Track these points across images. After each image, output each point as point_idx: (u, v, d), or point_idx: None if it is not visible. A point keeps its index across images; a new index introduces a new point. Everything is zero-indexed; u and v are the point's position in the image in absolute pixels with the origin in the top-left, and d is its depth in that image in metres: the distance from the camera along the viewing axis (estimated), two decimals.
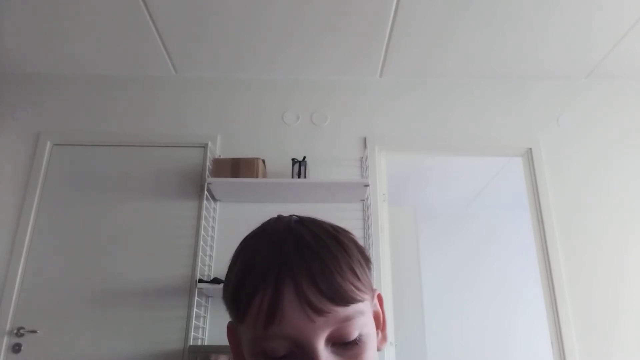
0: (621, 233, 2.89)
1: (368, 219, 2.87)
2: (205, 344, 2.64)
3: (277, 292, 0.46)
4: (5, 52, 3.05)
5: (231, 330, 0.55)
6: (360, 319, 0.49)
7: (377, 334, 0.55)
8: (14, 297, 2.70)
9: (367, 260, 0.53)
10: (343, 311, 0.47)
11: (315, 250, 0.48)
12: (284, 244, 0.49)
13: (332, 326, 0.47)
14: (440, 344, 4.76)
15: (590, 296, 2.76)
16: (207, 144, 2.99)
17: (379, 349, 0.55)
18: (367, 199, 2.89)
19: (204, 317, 2.67)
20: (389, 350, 2.72)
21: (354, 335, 0.48)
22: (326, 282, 0.47)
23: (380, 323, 0.57)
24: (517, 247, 5.00)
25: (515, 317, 4.89)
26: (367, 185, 2.76)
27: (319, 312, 0.46)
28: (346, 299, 0.47)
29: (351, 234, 0.55)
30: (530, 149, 3.07)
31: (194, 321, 2.57)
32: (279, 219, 0.55)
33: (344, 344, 0.48)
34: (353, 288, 0.48)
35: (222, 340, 2.64)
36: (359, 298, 0.49)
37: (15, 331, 2.64)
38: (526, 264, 4.74)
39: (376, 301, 0.57)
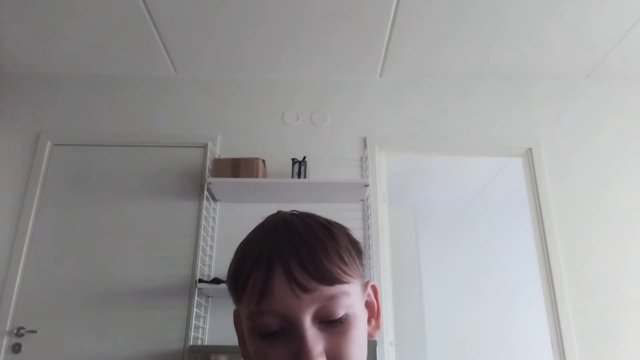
0: (621, 233, 2.89)
1: (368, 219, 2.86)
2: (205, 344, 2.64)
3: (268, 272, 0.52)
4: (5, 52, 3.05)
5: (236, 316, 0.60)
6: (346, 300, 0.53)
7: (371, 322, 0.60)
8: (14, 297, 2.70)
9: (358, 251, 0.58)
10: (328, 290, 0.52)
11: (304, 237, 0.54)
12: (277, 232, 0.55)
13: (318, 303, 0.52)
14: (440, 344, 4.75)
15: (590, 296, 2.76)
16: (207, 144, 2.99)
17: (371, 336, 0.59)
18: (367, 199, 2.89)
19: (204, 317, 2.67)
20: (389, 350, 2.72)
21: (340, 313, 0.52)
22: (312, 263, 0.52)
23: (374, 312, 0.61)
24: (517, 247, 4.99)
25: (515, 317, 4.89)
26: (367, 185, 2.76)
27: (305, 289, 0.51)
28: (330, 279, 0.52)
29: (346, 228, 0.59)
30: (530, 149, 3.07)
31: (194, 321, 2.57)
32: (278, 212, 0.60)
33: (330, 321, 0.52)
34: (338, 270, 0.53)
35: (222, 340, 2.64)
36: (343, 280, 0.53)
37: (15, 331, 2.64)
38: (526, 264, 4.73)
39: (370, 291, 0.61)
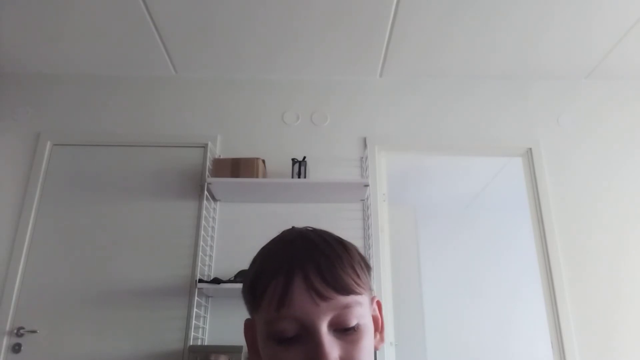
0: (621, 233, 2.89)
1: (368, 219, 2.86)
2: (205, 344, 2.64)
3: (288, 280, 0.55)
4: (5, 52, 3.05)
5: (248, 326, 0.63)
6: (359, 310, 0.57)
7: (375, 335, 0.63)
8: (14, 297, 2.70)
9: (367, 266, 0.62)
10: (344, 299, 0.55)
11: (322, 249, 0.57)
12: (296, 244, 0.58)
13: (334, 312, 0.55)
14: (440, 344, 4.76)
15: (590, 296, 2.76)
16: (207, 144, 2.99)
17: (376, 349, 0.62)
18: (367, 199, 2.89)
19: (204, 317, 2.67)
20: (389, 350, 2.72)
21: (353, 322, 0.56)
22: (330, 274, 0.55)
23: (379, 326, 0.64)
24: (517, 247, 5.00)
25: (515, 317, 4.89)
26: (367, 185, 2.76)
27: (323, 297, 0.54)
28: (346, 289, 0.56)
29: (355, 246, 0.64)
30: (530, 149, 3.07)
31: (194, 321, 2.57)
32: (294, 228, 0.64)
33: (344, 329, 0.55)
34: (353, 282, 0.57)
35: (222, 340, 2.64)
36: (357, 290, 0.57)
37: (15, 331, 2.64)
38: (526, 264, 4.74)
39: (375, 306, 0.64)
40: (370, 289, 0.61)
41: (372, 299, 0.62)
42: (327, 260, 0.56)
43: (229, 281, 2.57)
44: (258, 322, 0.58)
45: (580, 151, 3.07)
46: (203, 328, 2.66)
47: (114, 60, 3.12)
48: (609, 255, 2.84)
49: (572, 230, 2.89)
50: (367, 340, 0.57)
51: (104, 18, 2.73)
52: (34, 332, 2.64)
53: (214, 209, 2.89)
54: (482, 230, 5.22)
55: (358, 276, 0.58)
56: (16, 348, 2.61)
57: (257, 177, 2.73)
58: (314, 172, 2.96)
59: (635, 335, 2.69)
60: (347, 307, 0.55)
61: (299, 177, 2.79)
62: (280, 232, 0.64)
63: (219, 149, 3.03)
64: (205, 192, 2.81)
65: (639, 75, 3.21)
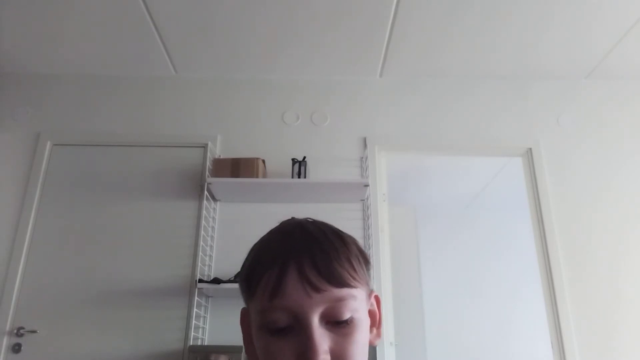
0: (621, 233, 2.89)
1: (368, 219, 2.86)
2: (205, 344, 2.64)
3: (283, 271, 0.55)
4: (5, 52, 3.05)
5: (244, 314, 0.62)
6: (353, 303, 0.56)
7: (372, 330, 0.62)
8: (14, 297, 2.70)
9: (365, 260, 0.61)
10: (337, 292, 0.55)
11: (319, 241, 0.57)
12: (294, 236, 0.58)
13: (327, 304, 0.54)
14: (440, 344, 4.76)
15: (590, 296, 2.76)
16: (207, 144, 2.99)
17: (372, 344, 0.62)
18: (367, 199, 2.89)
19: (204, 317, 2.67)
20: (389, 350, 2.72)
21: (346, 315, 0.55)
22: (324, 266, 0.55)
23: (376, 321, 0.64)
24: (517, 247, 5.00)
25: (515, 317, 4.89)
26: (367, 185, 2.76)
27: (316, 289, 0.54)
28: (340, 282, 0.55)
29: (355, 239, 0.63)
30: (530, 149, 3.07)
31: (194, 321, 2.57)
32: (293, 218, 0.63)
33: (336, 322, 0.55)
34: (348, 275, 0.56)
35: (222, 340, 2.64)
36: (352, 284, 0.56)
37: (15, 331, 2.64)
38: (526, 264, 4.74)
39: (373, 301, 0.64)
40: (368, 284, 0.60)
41: (369, 294, 0.61)
42: (323, 252, 0.56)
43: (229, 281, 2.57)
44: (252, 311, 0.58)
45: (580, 151, 3.07)
46: (203, 328, 2.66)
47: (114, 60, 3.12)
48: (609, 255, 2.84)
49: (572, 230, 2.89)
50: (361, 334, 0.56)
51: (104, 18, 2.73)
52: (34, 332, 2.64)
53: (214, 209, 2.89)
54: (482, 230, 5.22)
55: (354, 269, 0.57)
56: (16, 348, 2.61)
57: (257, 177, 2.73)
58: (314, 172, 2.96)
59: (635, 335, 2.69)
60: (340, 299, 0.55)
61: (299, 177, 2.79)
62: (280, 222, 0.63)
63: (219, 149, 3.03)
64: (205, 192, 2.81)
65: (639, 75, 3.21)
